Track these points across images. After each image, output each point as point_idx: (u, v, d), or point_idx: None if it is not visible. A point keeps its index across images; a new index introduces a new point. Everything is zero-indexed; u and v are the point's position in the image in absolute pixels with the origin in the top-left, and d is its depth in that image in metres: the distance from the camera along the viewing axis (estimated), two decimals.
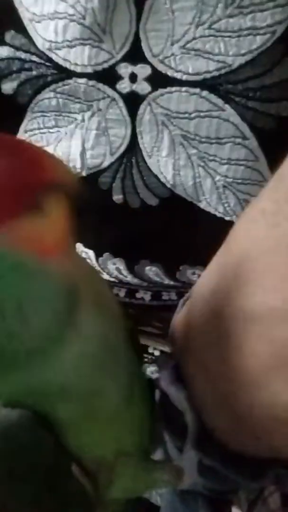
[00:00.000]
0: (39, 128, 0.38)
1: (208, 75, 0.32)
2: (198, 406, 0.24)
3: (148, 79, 0.33)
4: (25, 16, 0.35)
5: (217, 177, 0.35)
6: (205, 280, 0.24)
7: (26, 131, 0.38)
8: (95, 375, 0.20)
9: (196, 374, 0.23)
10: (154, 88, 0.33)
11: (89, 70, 0.34)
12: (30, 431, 0.19)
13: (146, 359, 0.43)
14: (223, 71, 0.32)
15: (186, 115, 0.33)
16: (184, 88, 0.32)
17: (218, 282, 0.22)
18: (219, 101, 0.32)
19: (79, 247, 0.41)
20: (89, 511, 0.22)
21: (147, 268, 0.39)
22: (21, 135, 0.38)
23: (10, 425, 0.18)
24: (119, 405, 0.21)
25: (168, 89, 0.33)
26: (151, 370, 0.44)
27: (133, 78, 0.33)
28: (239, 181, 0.35)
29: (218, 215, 0.36)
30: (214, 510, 0.27)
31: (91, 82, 0.34)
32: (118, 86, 0.34)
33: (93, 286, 0.20)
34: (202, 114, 0.33)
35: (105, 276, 0.41)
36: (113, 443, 0.23)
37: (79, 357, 0.18)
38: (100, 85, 0.34)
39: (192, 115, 0.33)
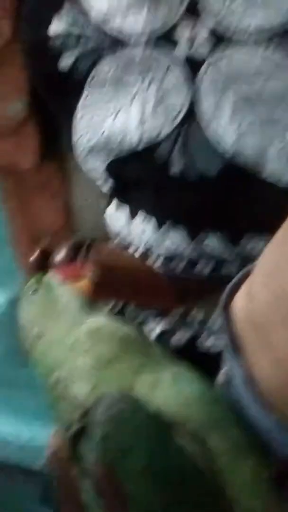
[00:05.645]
0: (96, 103, 0.38)
1: (272, 31, 0.30)
2: (257, 380, 0.23)
3: (207, 41, 0.32)
4: None
5: (283, 144, 0.33)
6: (266, 256, 0.23)
7: (84, 107, 0.38)
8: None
9: (257, 349, 0.23)
10: (214, 49, 0.32)
11: (144, 38, 0.33)
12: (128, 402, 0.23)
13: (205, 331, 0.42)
14: None
15: (249, 76, 0.32)
16: (246, 48, 0.31)
17: (279, 259, 0.21)
18: (286, 59, 0.30)
19: (141, 215, 0.40)
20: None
21: (207, 240, 0.38)
22: (80, 111, 0.39)
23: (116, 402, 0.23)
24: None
25: (229, 49, 0.31)
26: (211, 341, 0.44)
27: (190, 42, 0.32)
28: None
29: (282, 184, 0.34)
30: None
31: (147, 51, 0.33)
32: (175, 52, 0.33)
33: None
34: (266, 74, 0.31)
35: (162, 251, 0.40)
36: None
37: None
38: (156, 53, 0.33)
39: (256, 76, 0.31)
